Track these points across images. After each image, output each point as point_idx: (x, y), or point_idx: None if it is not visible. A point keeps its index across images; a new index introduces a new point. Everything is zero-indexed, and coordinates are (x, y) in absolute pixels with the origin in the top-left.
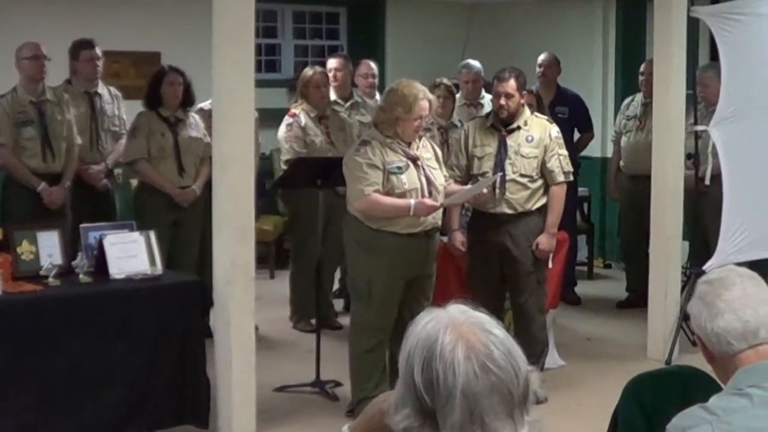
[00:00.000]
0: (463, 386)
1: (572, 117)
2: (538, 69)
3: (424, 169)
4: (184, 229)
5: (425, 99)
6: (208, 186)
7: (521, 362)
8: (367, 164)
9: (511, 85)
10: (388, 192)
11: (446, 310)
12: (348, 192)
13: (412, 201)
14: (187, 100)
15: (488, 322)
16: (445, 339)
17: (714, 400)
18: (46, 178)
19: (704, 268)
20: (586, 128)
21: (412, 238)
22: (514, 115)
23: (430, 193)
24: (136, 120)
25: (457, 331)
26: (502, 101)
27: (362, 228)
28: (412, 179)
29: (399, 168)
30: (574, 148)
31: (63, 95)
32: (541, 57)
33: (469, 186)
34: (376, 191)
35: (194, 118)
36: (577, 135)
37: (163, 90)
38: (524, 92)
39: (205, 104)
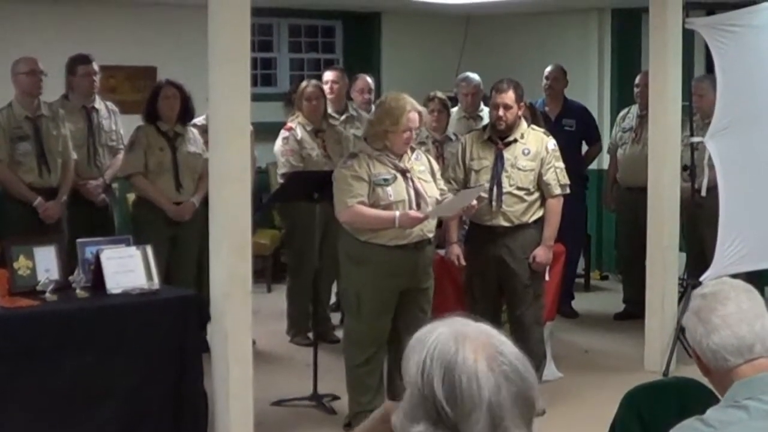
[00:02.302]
0: (490, 397)
1: (579, 129)
2: (545, 81)
3: (413, 181)
4: (182, 244)
5: (413, 111)
6: (206, 200)
7: (533, 371)
8: (352, 176)
9: (510, 96)
10: (374, 204)
11: (450, 324)
12: (334, 204)
13: (397, 213)
14: (186, 114)
15: (496, 333)
16: (465, 351)
17: (710, 413)
18: (42, 193)
19: (701, 279)
20: (594, 140)
21: (401, 250)
22: (511, 127)
23: (419, 206)
24: (134, 134)
25: (473, 343)
26: (501, 112)
27: (351, 241)
28: (399, 191)
29: (385, 180)
30: (582, 161)
31: (58, 110)
32: (548, 69)
33: (452, 197)
34: (361, 203)
35: (193, 132)
36: (584, 147)
37: (159, 104)
38: (521, 104)
39: (200, 119)
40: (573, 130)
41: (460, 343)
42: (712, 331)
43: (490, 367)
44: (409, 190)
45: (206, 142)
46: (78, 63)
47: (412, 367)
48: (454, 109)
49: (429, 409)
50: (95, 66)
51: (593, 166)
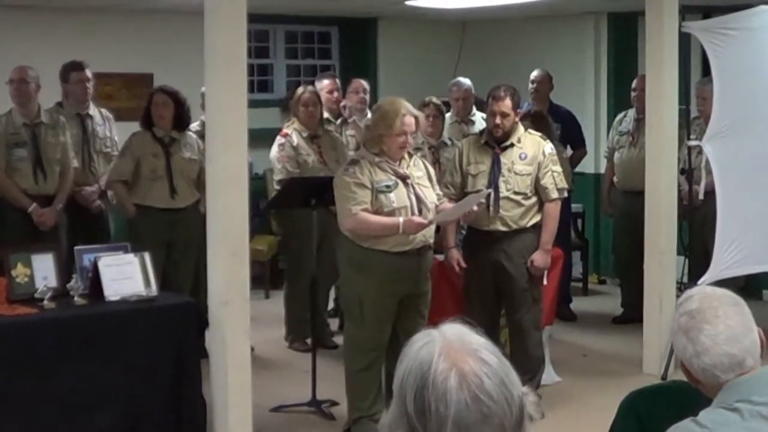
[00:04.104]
0: (455, 416)
1: (564, 133)
2: (531, 85)
3: (413, 187)
4: (179, 250)
5: (408, 115)
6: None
7: (515, 390)
8: (355, 183)
9: (507, 104)
10: (377, 211)
11: (442, 333)
12: (337, 212)
13: (401, 219)
14: (181, 120)
15: (483, 348)
16: (438, 367)
17: (703, 414)
18: (37, 200)
19: (698, 282)
20: (579, 144)
21: (403, 256)
22: (508, 134)
23: (420, 211)
24: (128, 140)
25: (451, 358)
26: (498, 120)
27: (353, 247)
28: (401, 197)
29: (387, 186)
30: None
31: (59, 118)
32: (534, 73)
33: (457, 203)
34: (365, 210)
35: (191, 138)
36: (569, 151)
37: (151, 110)
38: (519, 110)
39: (194, 126)
40: (558, 133)
41: (437, 357)
42: (703, 353)
43: (459, 386)
44: (411, 196)
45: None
46: (71, 70)
47: (396, 378)
48: (447, 115)
49: (405, 422)
50: (88, 73)
51: (590, 170)
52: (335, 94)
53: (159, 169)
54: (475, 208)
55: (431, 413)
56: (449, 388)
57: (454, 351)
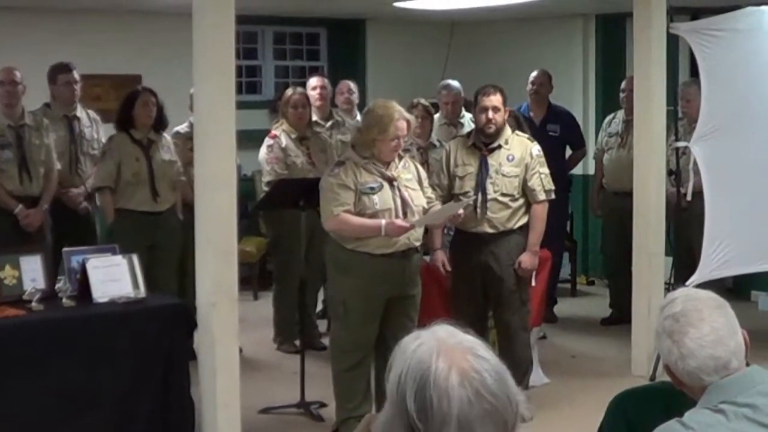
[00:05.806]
0: (458, 413)
1: (564, 134)
2: (530, 86)
3: (399, 189)
4: (161, 253)
5: (401, 119)
6: (190, 208)
7: (512, 388)
8: (338, 185)
9: (498, 98)
10: (360, 212)
11: (434, 333)
12: (321, 212)
13: (383, 221)
14: (160, 122)
15: (478, 346)
16: (438, 365)
17: (689, 415)
18: (23, 201)
19: (686, 284)
20: (578, 145)
21: (387, 258)
22: (500, 131)
23: (405, 214)
24: (107, 143)
25: (450, 356)
26: (490, 114)
27: (338, 248)
28: (386, 200)
29: (372, 188)
30: (566, 166)
31: (42, 120)
32: (533, 74)
33: (440, 207)
34: (347, 211)
35: (167, 139)
36: (569, 152)
37: (135, 111)
38: (507, 109)
39: (182, 127)
40: (557, 135)
41: (435, 356)
42: (688, 356)
43: (461, 383)
44: (396, 198)
45: (191, 149)
46: (58, 72)
47: (392, 379)
48: (436, 116)
49: (404, 422)
50: (76, 74)
51: (579, 171)
52: (318, 90)
53: (142, 173)
54: (461, 212)
55: (433, 411)
56: (451, 386)
57: (450, 350)
